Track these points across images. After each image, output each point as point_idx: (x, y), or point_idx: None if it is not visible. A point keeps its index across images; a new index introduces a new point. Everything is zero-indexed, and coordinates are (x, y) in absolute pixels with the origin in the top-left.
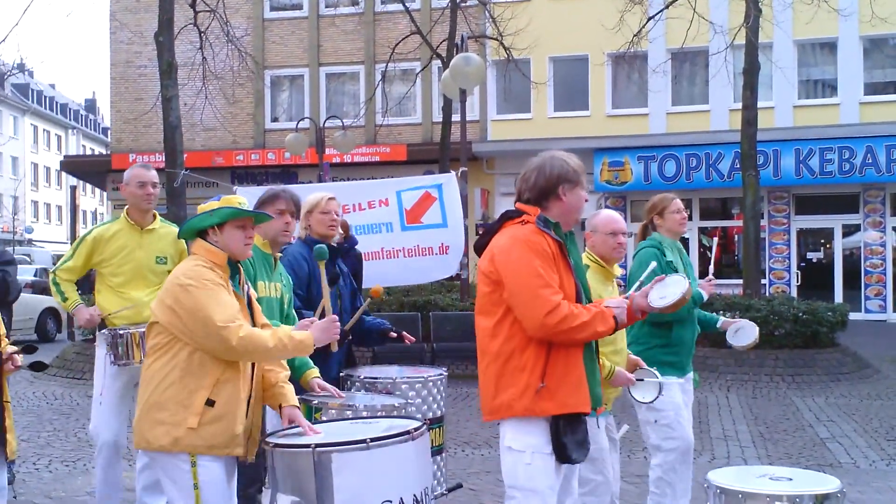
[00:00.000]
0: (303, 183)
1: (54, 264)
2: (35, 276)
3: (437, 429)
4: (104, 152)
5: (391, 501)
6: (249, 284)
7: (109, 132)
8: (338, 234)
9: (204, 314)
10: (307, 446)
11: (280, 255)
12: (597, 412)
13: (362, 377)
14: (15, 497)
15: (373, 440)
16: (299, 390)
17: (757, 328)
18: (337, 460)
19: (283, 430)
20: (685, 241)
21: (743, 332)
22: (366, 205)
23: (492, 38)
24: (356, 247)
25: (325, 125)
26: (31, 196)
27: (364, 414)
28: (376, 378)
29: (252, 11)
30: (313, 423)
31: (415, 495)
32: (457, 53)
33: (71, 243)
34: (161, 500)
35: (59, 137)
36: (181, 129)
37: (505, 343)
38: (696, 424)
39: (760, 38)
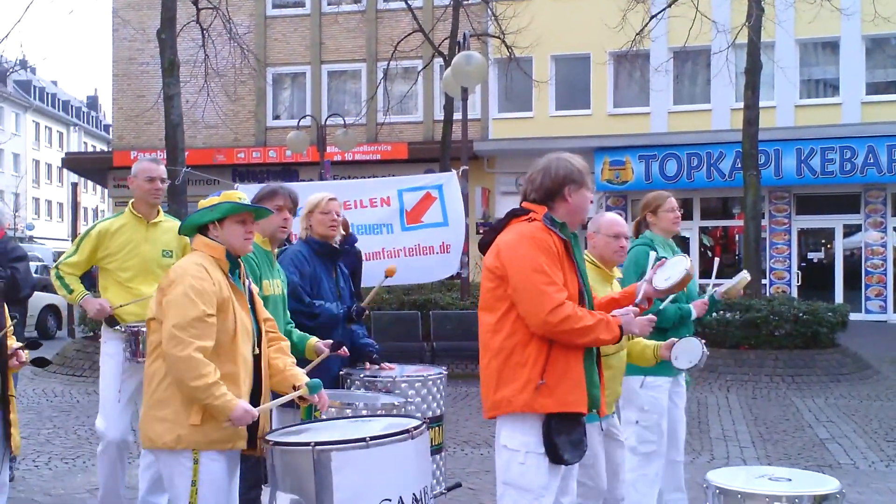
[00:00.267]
0: (304, 181)
1: (55, 261)
2: (36, 272)
3: (437, 428)
4: (106, 149)
5: (390, 500)
6: (251, 279)
7: (111, 129)
8: (338, 235)
9: (173, 313)
10: (307, 444)
11: (278, 252)
12: (599, 414)
13: (362, 376)
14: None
15: (372, 439)
16: (302, 365)
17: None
18: (336, 459)
19: (283, 428)
20: (685, 241)
21: (684, 353)
22: (367, 202)
23: (494, 37)
24: (355, 245)
25: (327, 123)
26: (32, 193)
27: (364, 412)
28: (376, 377)
29: (254, 9)
30: (313, 422)
31: (414, 494)
32: (458, 52)
33: (72, 240)
34: (164, 498)
35: (60, 134)
36: (183, 127)
37: (507, 339)
38: (695, 424)
39: (762, 37)
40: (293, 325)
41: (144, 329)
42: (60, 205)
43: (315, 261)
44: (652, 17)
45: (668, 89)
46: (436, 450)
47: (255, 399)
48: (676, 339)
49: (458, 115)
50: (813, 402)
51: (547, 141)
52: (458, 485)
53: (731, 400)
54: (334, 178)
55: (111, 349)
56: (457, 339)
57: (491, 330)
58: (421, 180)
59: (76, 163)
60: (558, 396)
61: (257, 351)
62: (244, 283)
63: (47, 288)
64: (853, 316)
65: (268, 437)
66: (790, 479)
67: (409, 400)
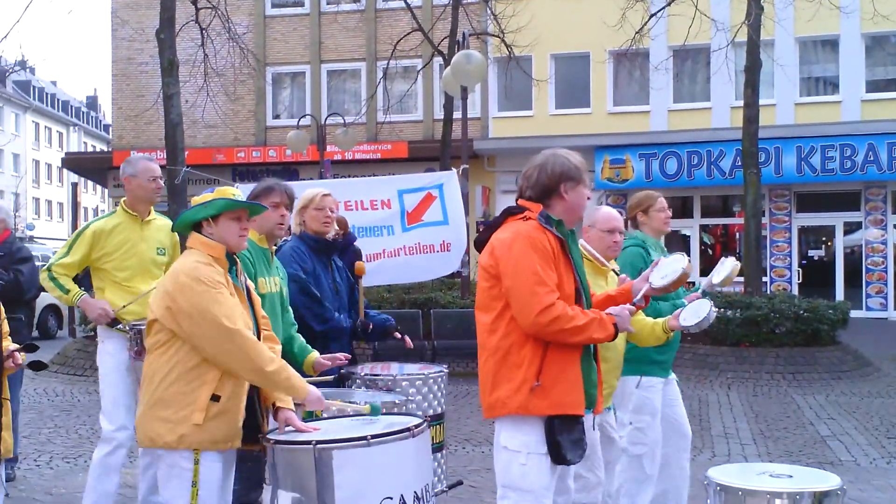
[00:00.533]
0: (304, 180)
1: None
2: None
3: (438, 426)
4: (105, 149)
5: (392, 498)
6: (246, 276)
7: (111, 129)
8: (332, 231)
9: (210, 315)
10: (308, 443)
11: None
12: (593, 412)
13: (363, 374)
14: (7, 496)
15: (373, 437)
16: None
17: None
18: (338, 457)
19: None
20: (686, 239)
21: (692, 313)
22: (368, 204)
23: (493, 36)
24: (354, 243)
25: (327, 122)
26: (32, 193)
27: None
28: (377, 375)
29: (253, 8)
30: (314, 420)
31: (415, 492)
32: (458, 51)
33: None
34: None
35: (60, 134)
36: (182, 126)
37: (503, 339)
38: (696, 422)
39: (762, 35)
40: (296, 326)
41: (142, 326)
42: (61, 205)
43: (312, 257)
44: (651, 16)
45: (667, 87)
46: (437, 448)
47: (253, 396)
48: (682, 308)
49: (457, 114)
50: (814, 399)
51: (547, 140)
52: (460, 483)
53: (732, 397)
54: (334, 178)
55: (111, 348)
56: (457, 337)
57: (487, 330)
58: (421, 180)
59: (76, 163)
60: (554, 398)
61: None
62: (241, 281)
63: None
64: (854, 313)
65: (269, 436)
66: (791, 476)
67: (409, 398)
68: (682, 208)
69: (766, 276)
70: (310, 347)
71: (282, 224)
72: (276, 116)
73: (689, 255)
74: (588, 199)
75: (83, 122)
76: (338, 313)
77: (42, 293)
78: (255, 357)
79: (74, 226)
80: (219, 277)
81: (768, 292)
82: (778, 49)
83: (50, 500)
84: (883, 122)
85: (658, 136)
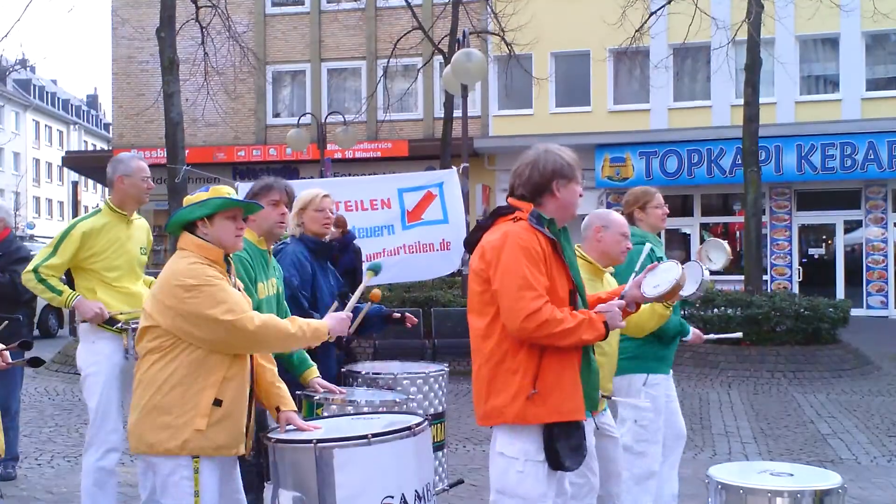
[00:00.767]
0: (304, 178)
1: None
2: None
3: (439, 425)
4: (106, 148)
5: (392, 497)
6: (236, 277)
7: (111, 128)
8: (331, 232)
9: (215, 313)
10: (309, 442)
11: (274, 250)
12: (592, 414)
13: (363, 373)
14: (2, 497)
15: (374, 436)
16: (299, 387)
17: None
18: (339, 456)
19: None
20: (686, 238)
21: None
22: (368, 204)
23: (493, 34)
24: (354, 241)
25: (327, 121)
26: (32, 192)
27: (365, 410)
28: (378, 374)
29: (254, 7)
30: (315, 419)
31: (416, 491)
32: (458, 49)
33: None
34: None
35: (60, 133)
36: (183, 125)
37: (497, 345)
38: (697, 420)
39: (762, 33)
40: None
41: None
42: (61, 203)
43: (312, 260)
44: (651, 14)
45: (668, 86)
46: (437, 447)
47: (249, 400)
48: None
49: (458, 113)
50: (814, 397)
51: (547, 138)
52: (461, 481)
53: (732, 396)
54: (335, 176)
55: (106, 349)
56: (458, 336)
57: (481, 335)
58: (421, 179)
59: (76, 161)
60: (552, 405)
61: None
62: (235, 284)
63: None
64: (854, 312)
65: (270, 435)
66: (792, 475)
67: (410, 397)
68: (682, 207)
69: (766, 274)
70: (310, 361)
71: (282, 223)
72: (277, 115)
73: (689, 255)
74: (580, 196)
75: (83, 121)
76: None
77: None
78: (273, 338)
79: None
80: (214, 273)
81: (769, 291)
82: (778, 47)
83: (50, 499)
84: (883, 120)
85: (658, 134)
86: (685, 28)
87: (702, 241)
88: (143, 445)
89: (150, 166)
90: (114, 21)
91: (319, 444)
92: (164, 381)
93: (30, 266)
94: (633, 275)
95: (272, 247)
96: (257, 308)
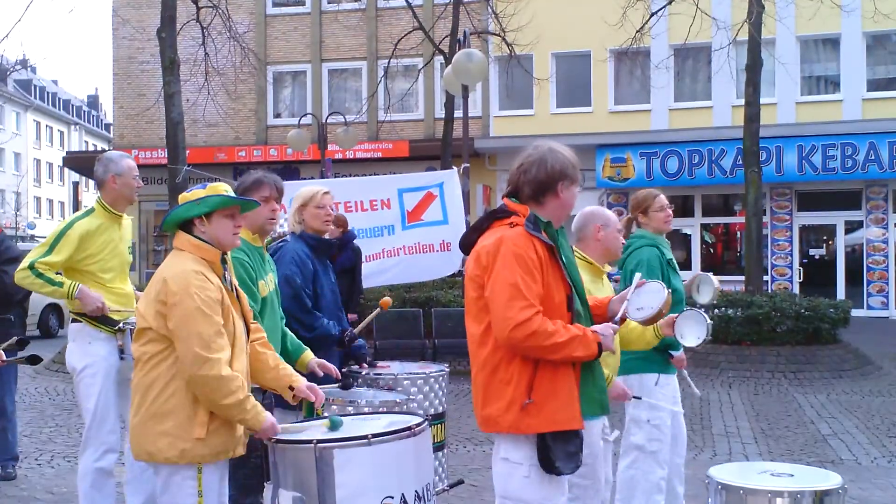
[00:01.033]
0: (305, 179)
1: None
2: None
3: (439, 425)
4: (106, 148)
5: (393, 497)
6: (232, 274)
7: (112, 128)
8: (331, 230)
9: (193, 331)
10: (309, 442)
11: (269, 246)
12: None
13: (365, 373)
14: None
15: (374, 436)
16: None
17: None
18: (339, 456)
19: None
20: (687, 238)
21: (689, 329)
22: (368, 205)
23: (494, 34)
24: (354, 241)
25: (328, 121)
26: (33, 192)
27: (365, 410)
28: (378, 374)
29: (254, 7)
30: (315, 419)
31: (416, 491)
32: (459, 49)
33: None
34: None
35: (61, 133)
36: (183, 125)
37: (492, 353)
38: (697, 421)
39: (763, 34)
40: (284, 320)
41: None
42: (62, 203)
43: (312, 258)
44: (652, 15)
45: (668, 86)
46: (438, 447)
47: None
48: (676, 315)
49: (458, 113)
50: (815, 398)
51: (548, 138)
52: (461, 482)
53: (732, 396)
54: (335, 176)
55: (103, 351)
56: (458, 336)
57: (477, 342)
58: (421, 179)
59: (77, 162)
60: (546, 415)
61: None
62: (232, 284)
63: None
64: (855, 312)
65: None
66: (792, 475)
67: (410, 397)
68: (683, 207)
69: (767, 274)
70: (303, 346)
71: (273, 219)
72: (277, 115)
73: (689, 255)
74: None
75: (84, 121)
76: (327, 319)
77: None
78: (215, 388)
79: None
80: (212, 293)
81: (769, 291)
82: (779, 48)
83: (50, 499)
84: (884, 120)
85: (659, 134)
86: (686, 28)
87: (702, 241)
88: (144, 454)
89: (151, 167)
90: (114, 21)
91: (319, 445)
92: (164, 387)
93: (24, 263)
94: (631, 283)
95: (267, 244)
96: (261, 307)
